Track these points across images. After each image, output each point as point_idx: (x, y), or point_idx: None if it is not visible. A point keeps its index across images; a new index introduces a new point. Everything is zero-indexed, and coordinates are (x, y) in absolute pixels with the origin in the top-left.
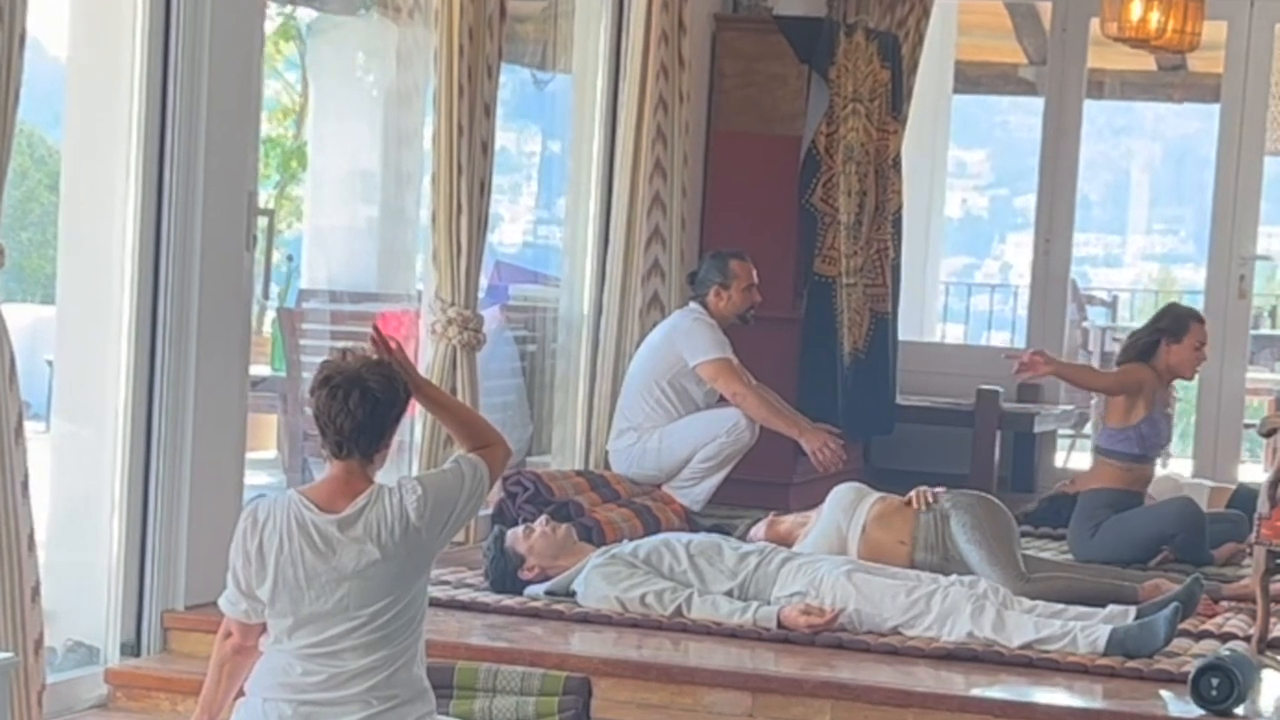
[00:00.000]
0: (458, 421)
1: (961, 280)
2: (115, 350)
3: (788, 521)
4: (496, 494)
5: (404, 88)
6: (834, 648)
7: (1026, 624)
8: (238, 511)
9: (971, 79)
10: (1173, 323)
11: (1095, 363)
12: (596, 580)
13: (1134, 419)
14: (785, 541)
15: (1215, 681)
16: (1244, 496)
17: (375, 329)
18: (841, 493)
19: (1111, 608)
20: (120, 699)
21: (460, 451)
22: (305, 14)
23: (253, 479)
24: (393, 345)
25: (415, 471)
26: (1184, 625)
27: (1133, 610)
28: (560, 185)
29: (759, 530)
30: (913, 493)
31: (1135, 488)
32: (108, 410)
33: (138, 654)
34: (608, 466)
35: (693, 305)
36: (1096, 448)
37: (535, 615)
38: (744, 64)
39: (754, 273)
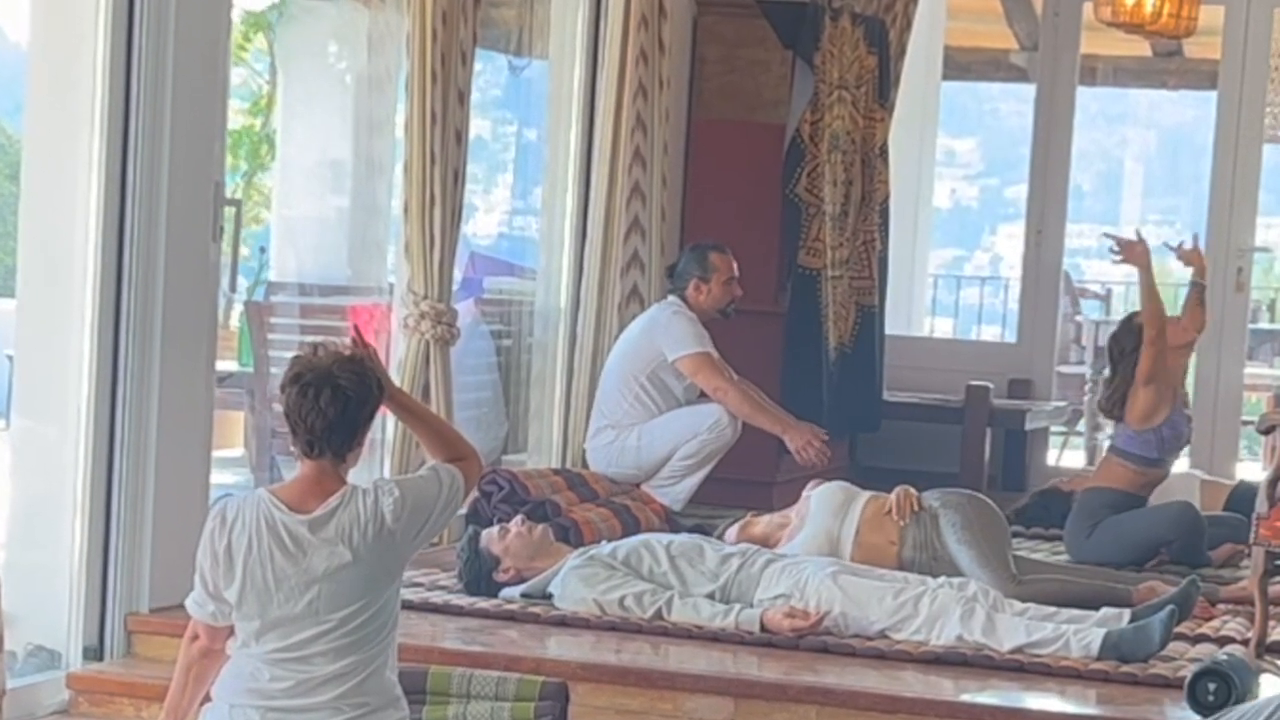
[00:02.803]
0: (432, 431)
1: (950, 273)
2: (77, 345)
3: (763, 523)
4: (471, 494)
5: (375, 74)
6: (819, 652)
7: (1018, 627)
8: (204, 511)
9: (961, 65)
10: (1131, 336)
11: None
12: (574, 582)
13: (1158, 419)
14: (763, 545)
15: (1212, 686)
16: (1243, 494)
17: (356, 331)
18: (829, 494)
19: (1105, 610)
20: (83, 704)
21: (434, 460)
22: None
23: (219, 478)
24: (370, 351)
25: (388, 470)
26: (1180, 628)
27: (1127, 613)
28: (537, 175)
29: (731, 533)
30: (892, 499)
31: (1143, 491)
32: (69, 407)
33: (101, 658)
34: (585, 465)
35: (671, 299)
36: (1112, 446)
37: (511, 618)
38: (726, 49)
39: (734, 266)
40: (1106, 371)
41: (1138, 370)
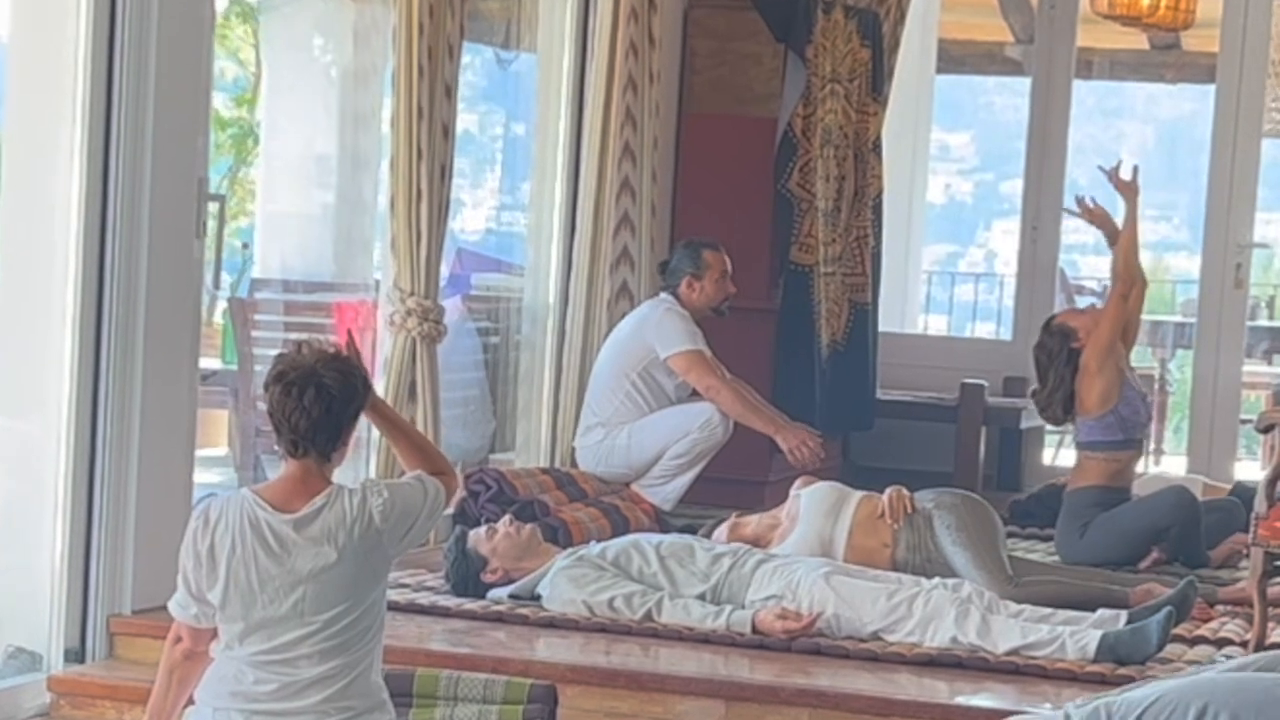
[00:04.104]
0: (412, 445)
1: (945, 269)
2: (59, 342)
3: (753, 523)
4: (458, 494)
5: (361, 68)
6: (811, 654)
7: (1013, 629)
8: (187, 511)
9: (955, 58)
10: (1054, 339)
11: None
12: (563, 583)
13: (1113, 400)
14: (753, 545)
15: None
16: (1241, 492)
17: (350, 337)
18: (821, 495)
19: (1102, 612)
20: (64, 708)
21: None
22: None
23: (203, 477)
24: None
25: (373, 470)
26: (1178, 630)
27: (1124, 614)
28: (525, 169)
29: (721, 533)
30: (885, 501)
31: (1121, 482)
32: (50, 405)
33: (82, 660)
34: (574, 464)
35: (663, 295)
36: (1077, 444)
37: (499, 620)
38: (717, 43)
39: (728, 263)
40: (1035, 385)
41: (1095, 339)
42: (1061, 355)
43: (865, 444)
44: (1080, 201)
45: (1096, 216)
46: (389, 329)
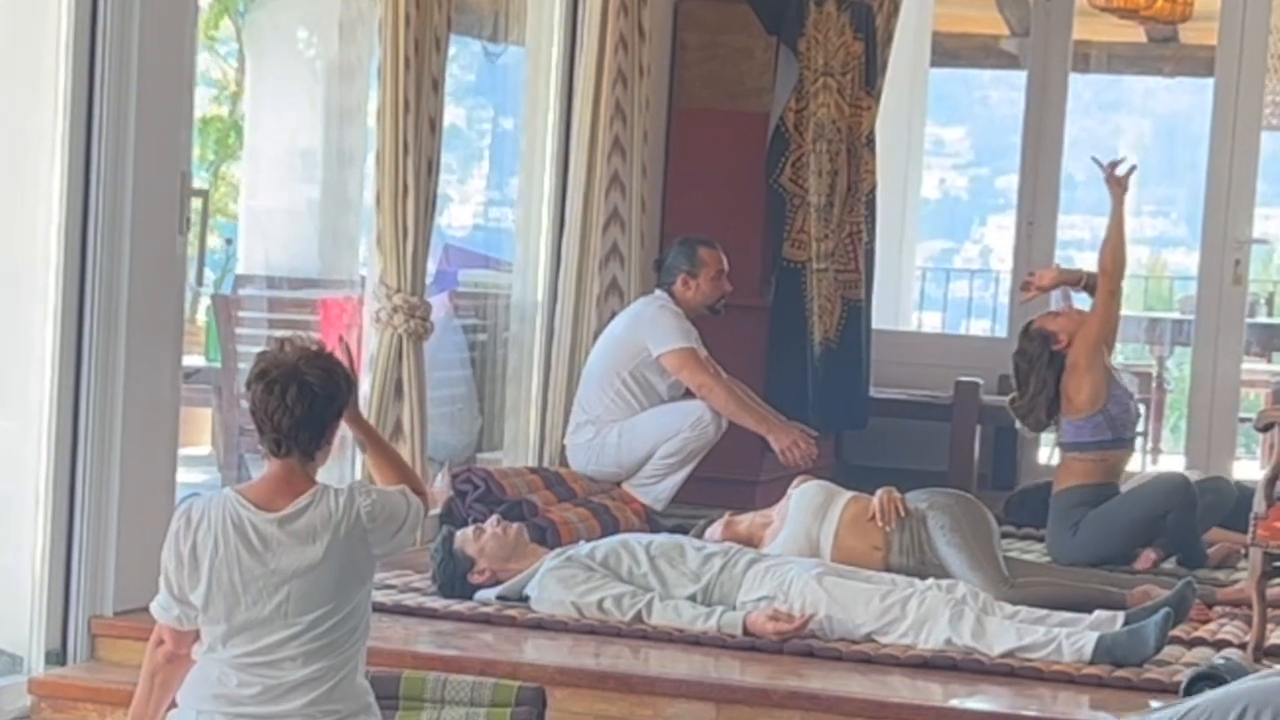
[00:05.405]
0: (390, 462)
1: (939, 265)
2: (40, 339)
3: (747, 521)
4: (445, 493)
5: (346, 61)
6: (804, 656)
7: (1008, 631)
8: (170, 511)
9: (950, 51)
10: (1034, 344)
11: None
12: (551, 584)
13: (1102, 400)
14: (746, 544)
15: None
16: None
17: (346, 347)
18: (810, 494)
19: (1099, 613)
20: (45, 710)
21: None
22: None
23: (186, 476)
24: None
25: (359, 469)
26: (1176, 632)
27: (1121, 616)
28: (513, 164)
29: (715, 532)
30: (875, 504)
31: (1110, 479)
32: (31, 403)
33: (63, 663)
34: (564, 463)
35: (658, 293)
36: (1062, 445)
37: (486, 621)
38: (708, 36)
39: (724, 261)
40: (1014, 393)
41: (1084, 335)
42: (1042, 359)
43: (858, 443)
44: (1026, 285)
45: (1047, 286)
46: (375, 326)
